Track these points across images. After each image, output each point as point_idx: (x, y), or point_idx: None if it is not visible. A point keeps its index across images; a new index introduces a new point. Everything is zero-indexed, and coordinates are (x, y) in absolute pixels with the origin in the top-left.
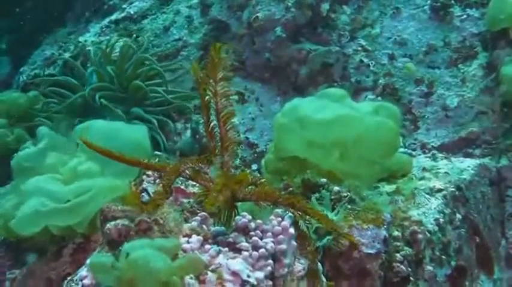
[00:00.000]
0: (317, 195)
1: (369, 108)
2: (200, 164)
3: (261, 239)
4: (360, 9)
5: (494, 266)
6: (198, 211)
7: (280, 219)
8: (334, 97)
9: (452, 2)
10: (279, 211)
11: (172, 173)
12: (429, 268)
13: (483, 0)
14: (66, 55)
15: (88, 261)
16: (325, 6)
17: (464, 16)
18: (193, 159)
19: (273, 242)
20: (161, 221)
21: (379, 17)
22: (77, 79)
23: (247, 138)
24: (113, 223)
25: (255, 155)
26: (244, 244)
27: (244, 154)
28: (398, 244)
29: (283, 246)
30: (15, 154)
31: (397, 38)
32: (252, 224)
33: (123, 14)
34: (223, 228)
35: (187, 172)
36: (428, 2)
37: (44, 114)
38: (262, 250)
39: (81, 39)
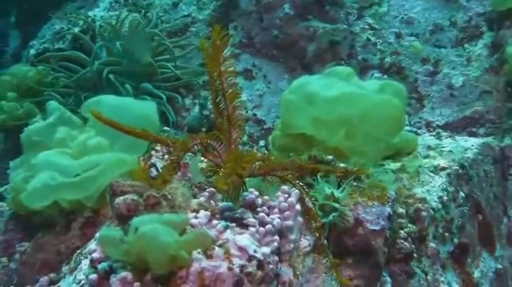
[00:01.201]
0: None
1: (374, 86)
2: (208, 140)
3: (268, 215)
4: None
5: (496, 243)
6: (206, 187)
7: (286, 195)
8: (342, 75)
9: None
10: (285, 187)
11: (181, 148)
12: (432, 244)
13: None
14: (76, 30)
15: (97, 235)
16: None
17: None
18: (201, 135)
19: (279, 218)
20: (169, 197)
21: None
22: (86, 54)
23: (254, 115)
24: (121, 197)
25: (263, 131)
26: (251, 220)
27: (251, 130)
28: (402, 221)
29: (290, 222)
30: (25, 128)
31: (404, 16)
32: (259, 200)
33: None
34: (230, 204)
35: (195, 147)
36: None
37: (53, 89)
38: (268, 226)
39: (90, 14)
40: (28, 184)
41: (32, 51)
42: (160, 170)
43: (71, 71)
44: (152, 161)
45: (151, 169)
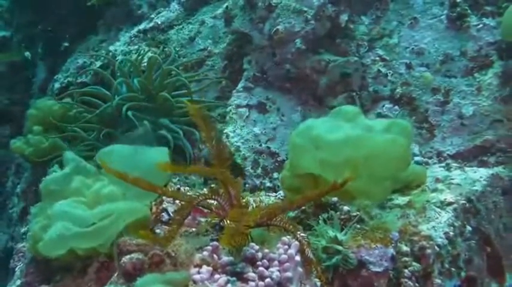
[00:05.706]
0: (327, 215)
1: (381, 126)
2: (213, 196)
3: (268, 268)
4: (378, 20)
5: (505, 274)
6: None
7: (286, 247)
8: (348, 115)
9: (469, 11)
10: (285, 238)
11: (186, 206)
12: (438, 281)
13: (499, 9)
14: (97, 64)
15: None
16: (344, 17)
17: (481, 25)
18: (205, 192)
19: (278, 270)
20: (173, 254)
21: (397, 27)
22: (108, 87)
23: (268, 147)
24: (128, 256)
25: (276, 164)
26: (251, 274)
27: (265, 163)
28: (406, 259)
29: (289, 274)
30: (43, 178)
31: (414, 47)
32: (259, 254)
33: (151, 24)
34: (231, 258)
35: (201, 203)
36: (445, 11)
37: (76, 124)
38: (267, 280)
39: (111, 48)
40: (45, 232)
41: (57, 85)
42: (171, 215)
43: (93, 106)
44: (164, 205)
45: (163, 214)
